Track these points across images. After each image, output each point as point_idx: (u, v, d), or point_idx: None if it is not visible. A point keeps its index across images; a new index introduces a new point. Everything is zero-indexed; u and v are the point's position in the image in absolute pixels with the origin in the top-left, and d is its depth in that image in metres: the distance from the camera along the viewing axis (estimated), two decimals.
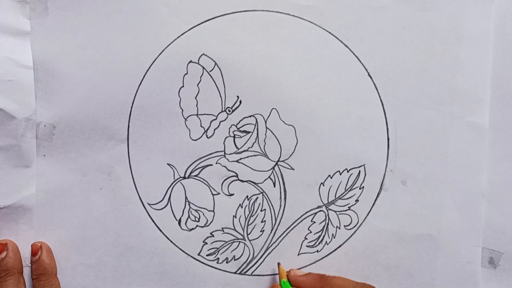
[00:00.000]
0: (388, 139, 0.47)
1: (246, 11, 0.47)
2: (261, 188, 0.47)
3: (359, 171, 0.47)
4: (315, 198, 0.47)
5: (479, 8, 0.47)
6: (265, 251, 0.47)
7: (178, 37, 0.46)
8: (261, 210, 0.47)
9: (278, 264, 0.46)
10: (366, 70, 0.47)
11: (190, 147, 0.46)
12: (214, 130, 0.47)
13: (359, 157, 0.47)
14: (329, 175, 0.47)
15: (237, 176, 0.47)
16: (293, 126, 0.46)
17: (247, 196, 0.47)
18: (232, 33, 0.46)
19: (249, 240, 0.47)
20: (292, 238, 0.47)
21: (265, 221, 0.47)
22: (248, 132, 0.47)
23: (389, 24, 0.47)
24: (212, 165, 0.47)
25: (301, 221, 0.47)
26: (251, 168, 0.47)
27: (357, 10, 0.47)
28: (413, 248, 0.46)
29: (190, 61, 0.46)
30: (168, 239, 0.47)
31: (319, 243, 0.47)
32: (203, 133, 0.47)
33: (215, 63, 0.46)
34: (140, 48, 0.46)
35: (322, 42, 0.47)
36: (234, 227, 0.47)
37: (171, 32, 0.46)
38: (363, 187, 0.47)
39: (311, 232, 0.47)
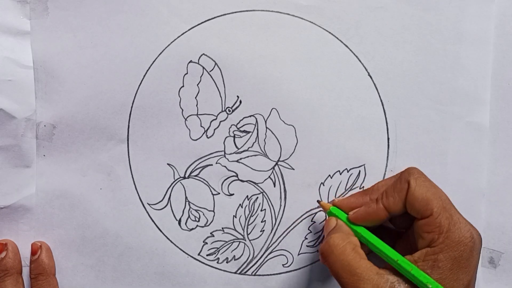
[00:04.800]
0: (388, 139, 0.47)
1: (246, 11, 0.47)
2: (261, 188, 0.47)
3: (359, 171, 0.47)
4: (315, 198, 0.47)
5: (479, 8, 0.47)
6: (265, 251, 0.47)
7: (178, 37, 0.46)
8: (261, 210, 0.47)
9: (318, 201, 0.45)
10: (366, 70, 0.47)
11: (190, 147, 0.46)
12: (214, 130, 0.47)
13: (359, 157, 0.47)
14: (329, 175, 0.47)
15: (237, 176, 0.47)
16: (293, 126, 0.46)
17: (247, 196, 0.47)
18: (232, 33, 0.46)
19: (249, 240, 0.47)
20: (292, 238, 0.47)
21: (265, 221, 0.47)
22: (248, 132, 0.47)
23: (389, 24, 0.47)
24: (212, 165, 0.47)
25: (301, 221, 0.47)
26: (251, 168, 0.47)
27: (357, 10, 0.47)
28: None
29: (190, 61, 0.46)
30: (168, 239, 0.46)
31: (319, 243, 0.47)
32: (203, 133, 0.47)
33: (215, 63, 0.46)
34: (140, 48, 0.46)
35: (322, 42, 0.47)
36: (234, 227, 0.47)
37: (171, 32, 0.46)
38: (363, 187, 0.47)
39: (311, 232, 0.47)
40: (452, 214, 0.37)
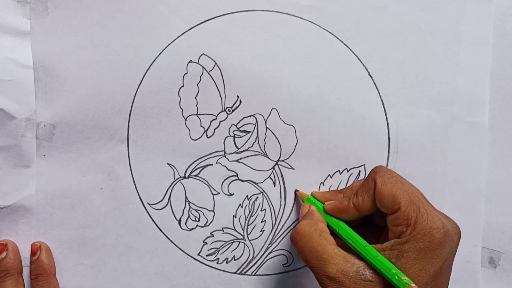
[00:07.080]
0: (389, 138, 0.47)
1: (246, 11, 0.47)
2: (261, 188, 0.47)
3: (359, 170, 0.47)
4: None
5: (478, 8, 0.47)
6: (265, 251, 0.47)
7: (178, 37, 0.46)
8: (261, 210, 0.47)
9: (296, 190, 0.46)
10: (366, 70, 0.47)
11: (190, 147, 0.46)
12: (214, 130, 0.47)
13: (359, 157, 0.47)
14: (329, 175, 0.47)
15: (237, 175, 0.47)
16: (293, 126, 0.46)
17: (247, 196, 0.47)
18: (232, 33, 0.46)
19: (249, 240, 0.47)
20: None
21: (265, 221, 0.47)
22: (248, 132, 0.47)
23: (389, 24, 0.47)
24: (212, 165, 0.47)
25: None
26: (251, 168, 0.47)
27: (357, 10, 0.47)
28: None
29: (190, 61, 0.46)
30: (168, 239, 0.46)
31: None
32: (203, 133, 0.47)
33: (215, 63, 0.46)
34: (140, 48, 0.46)
35: (322, 42, 0.47)
36: (234, 227, 0.47)
37: (171, 32, 0.46)
38: None
39: None
40: (420, 207, 0.38)
